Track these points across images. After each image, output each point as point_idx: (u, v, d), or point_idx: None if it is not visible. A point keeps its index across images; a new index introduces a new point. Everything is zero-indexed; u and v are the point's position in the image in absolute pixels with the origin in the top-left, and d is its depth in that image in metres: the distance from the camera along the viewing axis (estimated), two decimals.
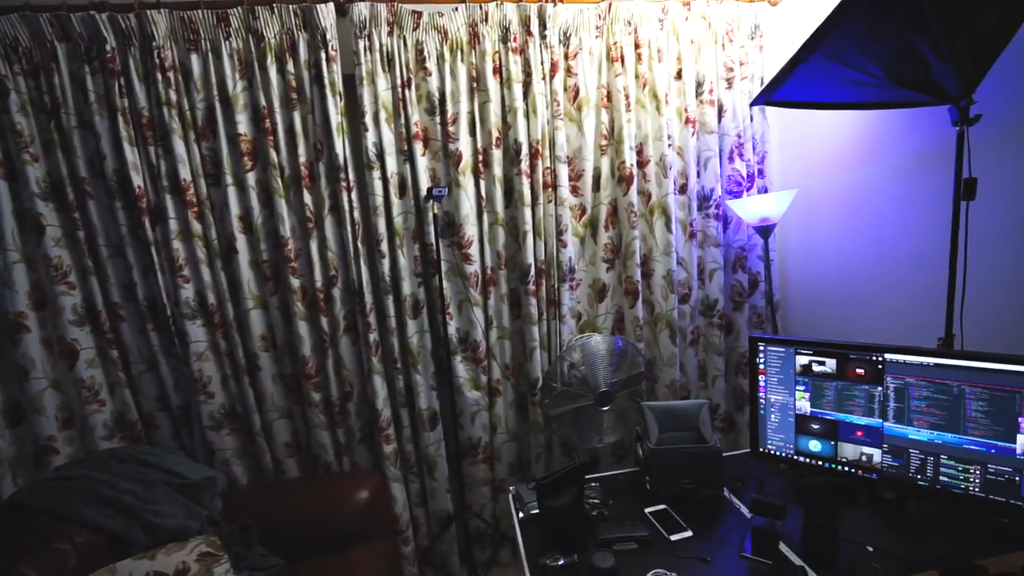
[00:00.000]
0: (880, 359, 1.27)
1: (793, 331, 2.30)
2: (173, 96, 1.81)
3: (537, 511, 1.44)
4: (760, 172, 2.27)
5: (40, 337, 1.79)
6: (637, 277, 2.15)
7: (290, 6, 1.84)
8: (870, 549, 1.26)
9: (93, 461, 1.70)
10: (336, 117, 1.89)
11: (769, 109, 2.24)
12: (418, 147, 2.00)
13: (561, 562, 1.29)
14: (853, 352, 1.31)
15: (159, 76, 1.78)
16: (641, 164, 2.13)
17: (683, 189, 2.19)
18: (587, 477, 1.76)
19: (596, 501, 1.56)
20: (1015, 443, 1.11)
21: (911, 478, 1.26)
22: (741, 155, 2.21)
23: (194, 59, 1.81)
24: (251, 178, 1.91)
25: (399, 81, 1.95)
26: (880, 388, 1.28)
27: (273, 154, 1.89)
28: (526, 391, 2.19)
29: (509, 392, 2.20)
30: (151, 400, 1.96)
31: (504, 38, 1.99)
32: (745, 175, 2.21)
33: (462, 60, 1.99)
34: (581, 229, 2.17)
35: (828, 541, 1.23)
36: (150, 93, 1.80)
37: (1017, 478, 1.12)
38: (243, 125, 1.88)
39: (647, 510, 1.51)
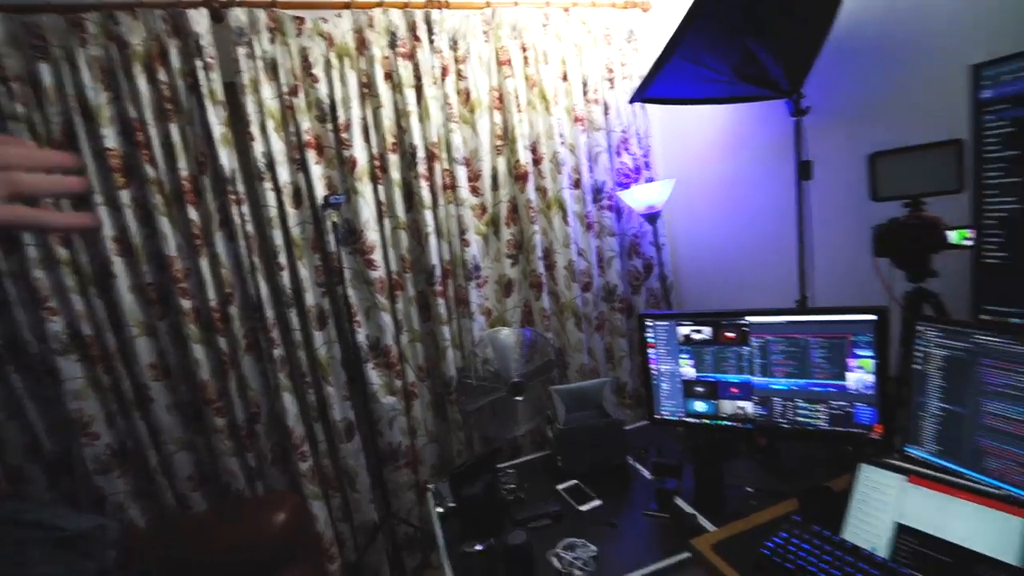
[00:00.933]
0: (745, 322, 1.45)
1: (688, 307, 2.51)
2: (19, 109, 1.64)
3: (454, 503, 1.47)
4: (646, 164, 2.46)
5: None
6: (540, 270, 2.25)
7: (156, 11, 1.74)
8: (750, 490, 1.42)
9: None
10: (219, 127, 1.81)
11: (650, 106, 2.44)
12: (311, 155, 1.96)
13: (479, 547, 1.34)
14: (723, 319, 1.48)
15: (1, 87, 1.61)
16: (536, 162, 2.24)
17: (577, 183, 2.33)
18: (503, 464, 1.82)
19: (512, 486, 1.62)
20: (846, 380, 1.31)
21: (776, 422, 1.44)
22: (627, 149, 2.38)
23: (43, 68, 1.66)
24: (125, 196, 1.77)
25: (285, 89, 1.91)
26: (747, 348, 1.45)
27: (149, 169, 1.77)
28: (442, 391, 2.21)
29: (425, 394, 2.21)
30: (18, 450, 1.75)
31: (392, 44, 2.01)
32: (632, 167, 2.39)
33: (351, 66, 1.98)
34: (483, 227, 2.24)
35: (714, 489, 1.38)
36: None
37: (851, 409, 1.32)
38: (111, 139, 1.74)
39: (559, 487, 1.59)
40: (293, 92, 1.92)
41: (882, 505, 1.04)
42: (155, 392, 1.84)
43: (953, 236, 1.23)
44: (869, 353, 1.28)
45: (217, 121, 1.81)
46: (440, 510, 1.57)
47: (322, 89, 1.96)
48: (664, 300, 2.41)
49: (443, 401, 2.23)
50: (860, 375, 1.31)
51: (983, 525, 0.91)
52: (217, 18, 1.82)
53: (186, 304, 1.84)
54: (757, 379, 1.45)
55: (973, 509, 0.92)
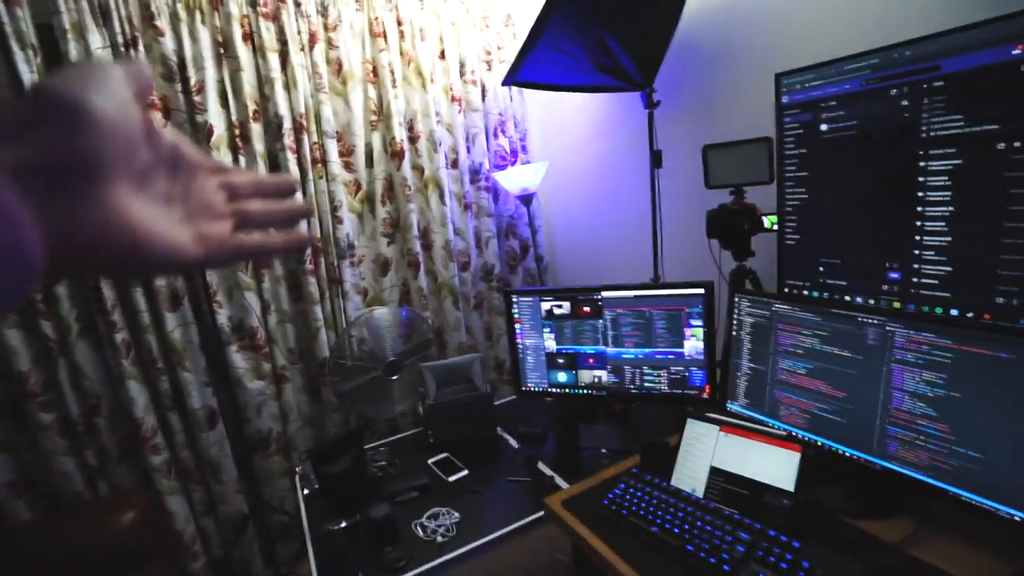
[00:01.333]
0: (599, 297, 1.57)
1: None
2: None
3: (319, 485, 1.44)
4: (523, 148, 2.53)
5: None
6: (417, 249, 2.24)
7: None
8: (604, 451, 1.56)
9: None
10: (30, 75, 1.56)
11: (528, 91, 2.51)
12: (157, 117, 1.76)
13: (343, 524, 1.33)
14: (580, 294, 1.59)
15: None
16: (412, 140, 2.21)
17: (455, 163, 2.34)
18: (377, 443, 1.82)
19: (383, 463, 1.62)
20: (683, 348, 1.49)
21: (627, 388, 1.59)
22: (504, 131, 2.44)
23: None
24: None
25: (120, 39, 1.69)
26: (601, 320, 1.58)
27: None
28: (316, 373, 2.14)
29: (297, 377, 2.12)
30: None
31: (252, 2, 1.85)
32: (509, 150, 2.45)
33: (203, 22, 1.80)
34: (358, 205, 2.17)
35: (570, 452, 1.49)
36: None
37: (687, 373, 1.50)
38: None
39: (430, 461, 1.63)
40: (132, 44, 1.71)
41: (701, 453, 1.20)
42: None
43: (767, 221, 1.43)
44: (700, 323, 1.46)
45: (27, 68, 1.55)
46: (306, 491, 1.53)
47: (168, 44, 1.76)
48: (539, 279, 2.53)
49: (317, 384, 2.16)
50: (694, 343, 1.49)
51: (771, 461, 1.09)
52: None
53: None
54: (610, 349, 1.59)
55: (764, 449, 1.10)
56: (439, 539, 1.26)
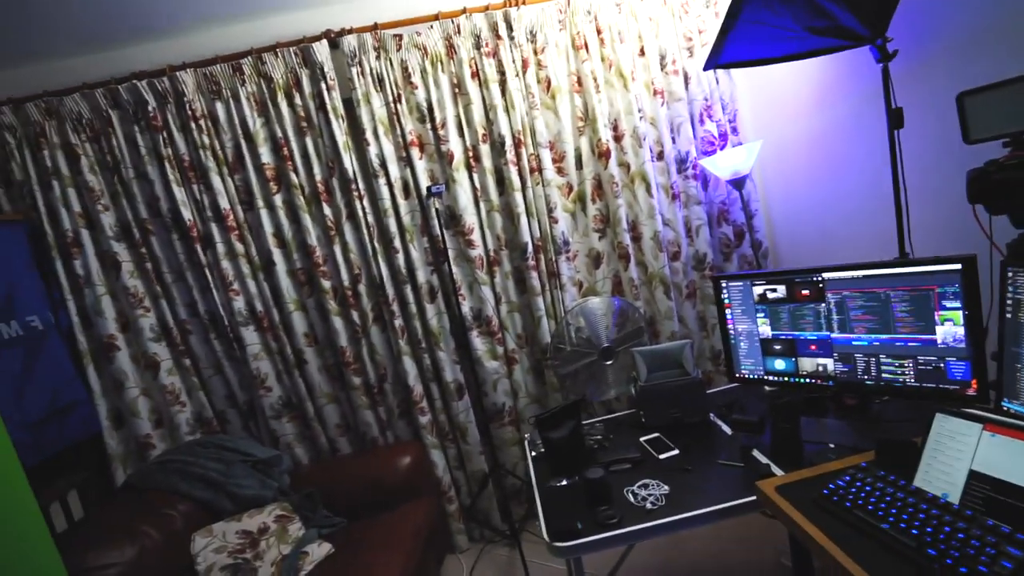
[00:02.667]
0: (820, 279, 1.45)
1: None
2: (206, 140, 2.15)
3: (544, 448, 1.68)
4: (734, 130, 2.42)
5: (129, 354, 2.17)
6: (627, 242, 2.35)
7: (290, 48, 2.14)
8: (831, 445, 1.43)
9: (183, 448, 2.07)
10: (341, 137, 2.19)
11: (735, 70, 2.39)
12: (415, 152, 2.27)
13: (564, 482, 1.54)
14: (797, 276, 1.49)
15: (192, 125, 2.12)
16: (617, 138, 2.33)
17: (660, 156, 2.38)
18: (593, 420, 1.99)
19: (599, 437, 1.79)
20: (935, 335, 1.27)
21: (860, 379, 1.43)
22: (711, 116, 2.37)
23: (219, 106, 2.15)
24: (278, 200, 2.23)
25: (391, 97, 2.23)
26: (824, 304, 1.45)
27: (293, 176, 2.21)
28: (540, 357, 2.43)
29: (524, 360, 2.44)
30: (221, 399, 2.32)
31: (477, 45, 2.23)
32: (717, 134, 2.37)
33: (442, 71, 2.24)
34: (571, 205, 2.39)
35: (790, 442, 1.42)
36: (188, 140, 2.15)
37: (942, 365, 1.28)
38: (265, 155, 2.20)
39: (642, 439, 1.73)
40: (397, 100, 2.23)
41: (957, 453, 1.04)
42: (308, 356, 2.31)
43: None
44: (957, 305, 1.24)
45: (340, 131, 2.18)
46: (533, 454, 1.79)
47: (420, 94, 2.25)
48: (757, 266, 2.37)
49: (541, 366, 2.45)
50: (949, 328, 1.26)
51: None
52: (334, 45, 2.19)
53: (326, 284, 2.26)
54: (836, 335, 1.45)
55: None
56: (648, 506, 1.36)
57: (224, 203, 2.18)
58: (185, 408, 2.24)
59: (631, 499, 1.41)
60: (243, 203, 2.24)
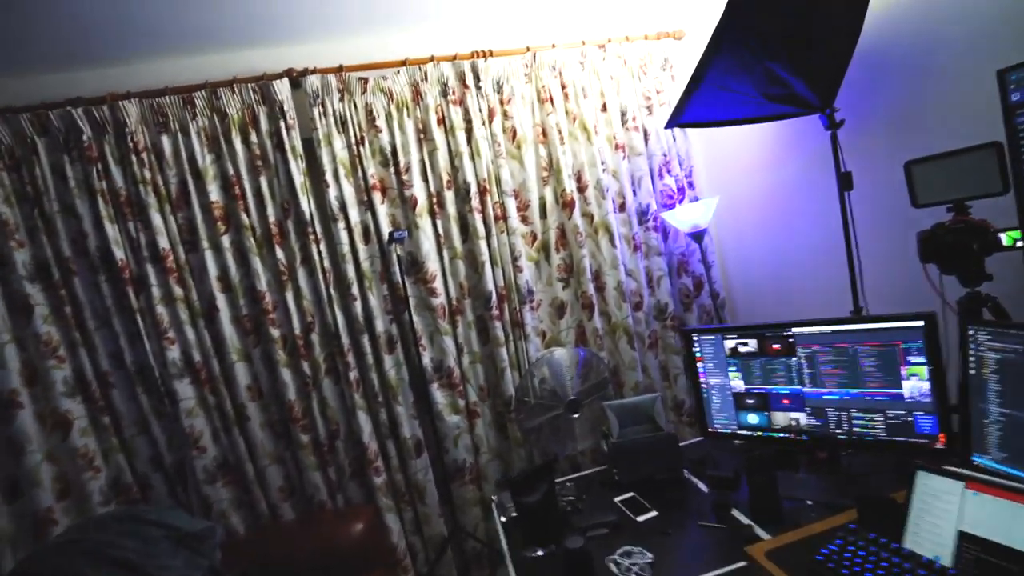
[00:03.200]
0: (790, 333, 1.47)
1: (740, 322, 2.50)
2: (148, 175, 1.98)
3: (516, 513, 1.57)
4: (690, 184, 2.52)
5: (33, 412, 1.88)
6: (591, 291, 2.35)
7: (248, 84, 2.05)
8: (809, 503, 1.42)
9: (92, 524, 1.78)
10: (299, 177, 2.08)
11: (690, 129, 2.51)
12: (377, 196, 2.19)
13: (539, 553, 1.43)
14: (767, 331, 1.51)
15: (133, 158, 1.95)
16: (581, 189, 2.36)
17: (622, 207, 2.43)
18: (564, 478, 1.90)
19: (571, 498, 1.70)
20: (902, 389, 1.31)
21: (832, 433, 1.44)
22: (669, 171, 2.46)
23: (165, 139, 2.00)
24: (226, 240, 2.07)
25: (353, 140, 2.16)
26: (795, 359, 1.48)
27: (244, 216, 2.06)
28: (503, 409, 2.33)
29: (487, 413, 2.34)
30: (145, 461, 2.05)
31: (444, 92, 2.23)
32: (676, 188, 2.46)
33: (408, 115, 2.21)
34: (535, 254, 2.37)
35: (769, 498, 1.39)
36: (126, 174, 1.97)
37: (910, 419, 1.31)
38: (214, 193, 2.05)
39: (616, 499, 1.65)
40: (360, 142, 2.17)
41: (943, 513, 1.03)
42: (251, 411, 2.09)
43: (1005, 238, 1.22)
44: (921, 360, 1.28)
45: (298, 172, 2.08)
46: (503, 519, 1.67)
47: (384, 138, 2.20)
48: (716, 316, 2.43)
49: (504, 420, 2.35)
50: (915, 383, 1.30)
51: None
52: (295, 84, 2.11)
53: (275, 333, 2.09)
54: (808, 390, 1.47)
55: None
56: None
57: (164, 242, 1.99)
58: (99, 474, 1.94)
59: (614, 569, 1.32)
60: (185, 243, 2.05)
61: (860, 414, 1.39)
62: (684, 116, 1.83)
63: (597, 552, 1.39)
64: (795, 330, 1.46)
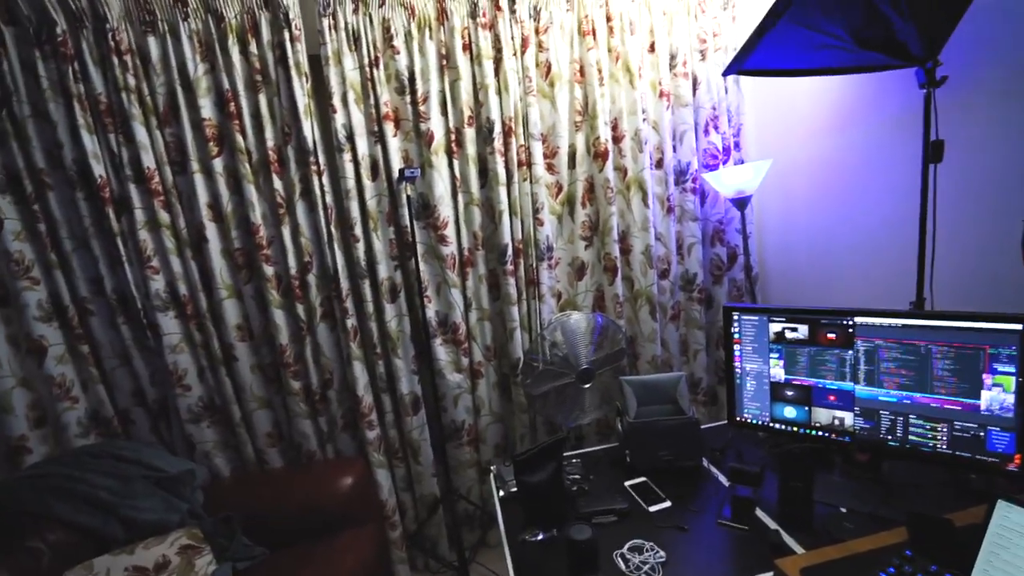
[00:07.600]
0: (850, 323, 1.28)
1: (774, 302, 2.31)
2: (132, 81, 1.75)
3: (516, 489, 1.44)
4: (736, 145, 2.26)
5: (5, 335, 1.74)
6: (616, 254, 2.14)
7: None
8: (843, 510, 1.27)
9: (66, 458, 1.67)
10: (303, 99, 1.85)
11: (744, 80, 2.23)
12: (389, 128, 1.96)
13: (540, 537, 1.30)
14: (824, 317, 1.32)
15: (115, 60, 1.72)
16: (616, 139, 2.11)
17: (659, 164, 2.18)
18: (569, 454, 1.77)
19: (577, 477, 1.56)
20: (979, 399, 1.12)
21: (882, 439, 1.27)
22: (716, 128, 2.19)
23: (152, 41, 1.75)
24: (218, 164, 1.86)
25: (367, 60, 1.91)
26: (851, 352, 1.29)
27: (240, 139, 1.84)
28: (508, 372, 2.19)
29: (491, 374, 2.19)
30: (126, 395, 1.93)
31: (473, 13, 1.95)
32: (721, 148, 2.20)
33: (430, 37, 1.94)
34: (558, 207, 2.16)
35: (802, 504, 1.24)
36: (107, 78, 1.74)
37: (982, 434, 1.13)
38: (207, 109, 1.82)
39: (627, 483, 1.52)
40: (374, 64, 1.92)
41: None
42: (239, 352, 1.95)
43: None
44: (1011, 369, 1.09)
45: (301, 92, 1.84)
46: (502, 494, 1.54)
47: (402, 61, 1.94)
48: (748, 293, 2.23)
49: (508, 382, 2.21)
50: (998, 394, 1.12)
51: None
52: None
53: (269, 270, 1.92)
54: (862, 389, 1.29)
55: None
56: None
57: (149, 161, 1.79)
58: (77, 405, 1.83)
59: (622, 565, 1.19)
60: (173, 164, 1.85)
61: (920, 421, 1.21)
62: (750, 61, 1.56)
63: (604, 543, 1.25)
64: (858, 320, 1.27)
